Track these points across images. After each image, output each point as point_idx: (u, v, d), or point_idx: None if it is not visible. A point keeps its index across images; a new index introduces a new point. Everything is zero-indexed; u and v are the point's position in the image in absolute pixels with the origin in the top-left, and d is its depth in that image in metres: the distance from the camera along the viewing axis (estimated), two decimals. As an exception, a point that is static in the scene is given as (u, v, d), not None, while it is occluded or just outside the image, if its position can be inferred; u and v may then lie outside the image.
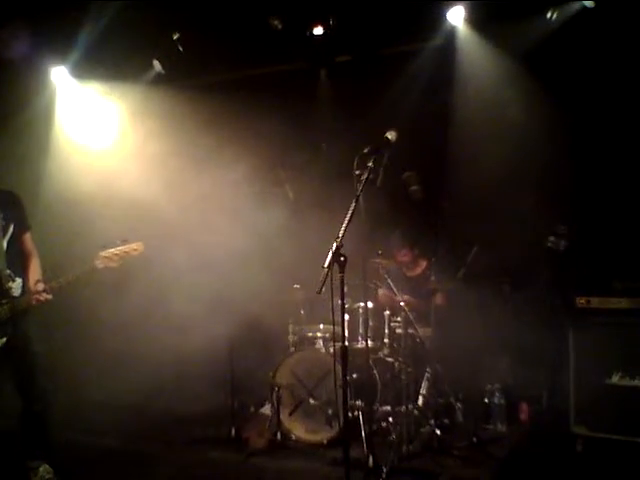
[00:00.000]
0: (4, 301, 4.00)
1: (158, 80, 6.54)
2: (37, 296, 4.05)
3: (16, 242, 4.19)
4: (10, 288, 4.05)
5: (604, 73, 5.19)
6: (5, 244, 4.10)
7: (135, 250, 4.19)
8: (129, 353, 6.21)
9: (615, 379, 4.54)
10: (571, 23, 5.40)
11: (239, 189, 5.93)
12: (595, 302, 4.70)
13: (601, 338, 4.60)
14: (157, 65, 6.43)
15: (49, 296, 4.07)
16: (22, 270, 4.18)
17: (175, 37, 6.20)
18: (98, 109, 6.74)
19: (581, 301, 4.73)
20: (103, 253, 4.10)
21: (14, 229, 4.17)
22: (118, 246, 4.14)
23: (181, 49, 6.23)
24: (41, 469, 4.26)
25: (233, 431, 5.21)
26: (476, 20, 5.75)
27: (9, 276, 4.07)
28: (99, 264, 4.10)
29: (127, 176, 6.25)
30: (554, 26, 5.48)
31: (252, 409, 5.81)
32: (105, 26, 5.83)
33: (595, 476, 4.14)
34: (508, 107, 5.53)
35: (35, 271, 4.24)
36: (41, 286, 4.10)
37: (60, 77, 6.63)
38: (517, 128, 5.41)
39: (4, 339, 4.00)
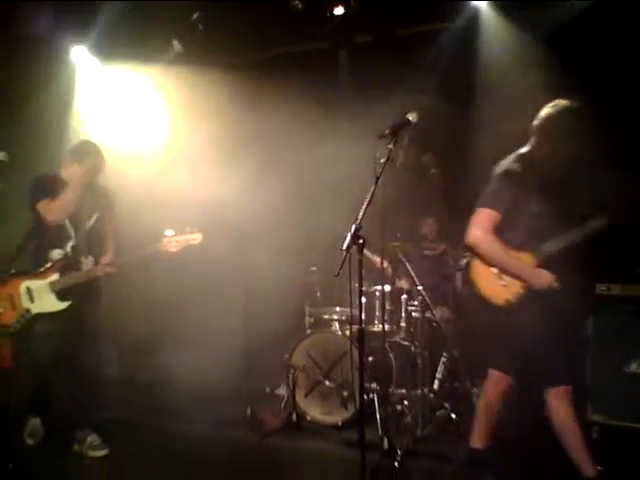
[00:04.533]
0: (74, 272, 4.49)
1: (177, 60, 6.52)
2: (102, 268, 4.54)
3: (97, 227, 4.68)
4: (81, 262, 4.56)
5: (630, 56, 5.09)
6: (88, 226, 4.63)
7: (194, 240, 4.55)
8: (149, 332, 6.28)
9: (634, 367, 4.50)
10: (597, 5, 5.30)
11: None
12: (616, 289, 4.65)
13: (621, 326, 4.56)
14: (177, 45, 6.41)
15: (112, 269, 4.57)
16: (97, 250, 4.67)
17: (195, 16, 6.17)
18: (118, 89, 6.74)
19: (602, 288, 4.69)
20: (167, 238, 4.50)
21: (99, 215, 4.68)
22: (181, 234, 4.52)
23: (201, 28, 6.20)
24: (89, 438, 4.50)
25: (249, 411, 5.25)
26: (500, 1, 5.66)
27: (84, 252, 4.58)
28: (161, 247, 4.50)
29: (152, 161, 6.29)
30: (579, 8, 5.38)
31: (268, 390, 5.84)
32: (125, 5, 5.81)
33: (610, 464, 4.11)
34: (530, 90, 5.44)
35: (108, 252, 4.72)
36: (107, 260, 4.63)
37: (80, 56, 6.64)
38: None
39: (67, 303, 4.46)
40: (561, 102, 3.62)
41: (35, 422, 4.61)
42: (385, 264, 5.42)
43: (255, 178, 5.94)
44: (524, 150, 3.68)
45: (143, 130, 6.65)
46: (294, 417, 5.09)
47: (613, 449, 4.39)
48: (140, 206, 5.82)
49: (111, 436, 4.64)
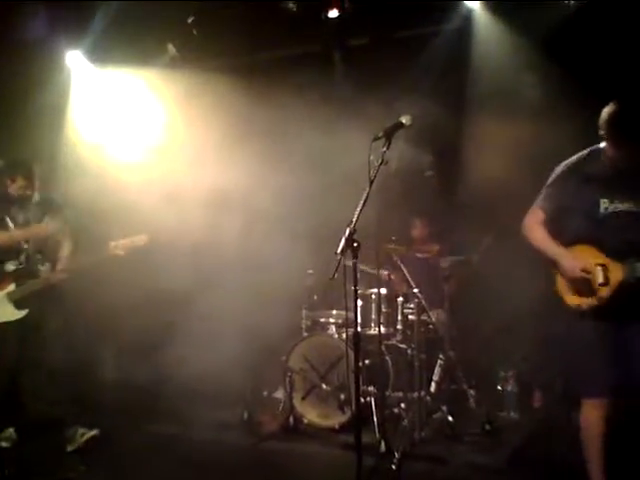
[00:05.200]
0: (30, 280, 4.67)
1: (172, 64, 6.51)
2: (55, 275, 4.76)
3: (49, 235, 4.86)
4: (39, 270, 4.75)
5: (623, 57, 5.10)
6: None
7: (140, 241, 4.79)
8: (145, 334, 6.26)
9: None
10: (590, 6, 5.31)
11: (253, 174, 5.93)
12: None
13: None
14: (171, 49, 6.41)
15: (64, 275, 4.77)
16: (53, 256, 4.85)
17: (190, 20, 6.17)
18: (113, 92, 6.73)
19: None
20: (113, 242, 4.72)
21: (49, 221, 4.84)
22: (126, 237, 4.76)
23: (195, 32, 6.20)
24: (79, 431, 4.69)
25: (246, 415, 5.24)
26: (493, 3, 5.67)
27: (39, 260, 4.76)
28: (108, 251, 4.72)
29: (143, 162, 6.29)
30: (572, 9, 5.39)
31: (265, 393, 5.83)
32: (120, 9, 5.80)
33: (609, 464, 4.10)
34: (525, 91, 5.46)
35: (64, 259, 4.89)
36: (60, 267, 4.81)
37: (75, 61, 6.62)
38: (534, 112, 5.34)
39: (25, 311, 4.65)
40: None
41: (9, 432, 4.75)
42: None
43: (247, 181, 5.94)
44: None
45: (138, 133, 6.64)
46: (291, 420, 5.09)
47: (611, 450, 4.38)
48: (135, 208, 5.81)
49: (108, 439, 4.65)
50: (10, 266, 4.68)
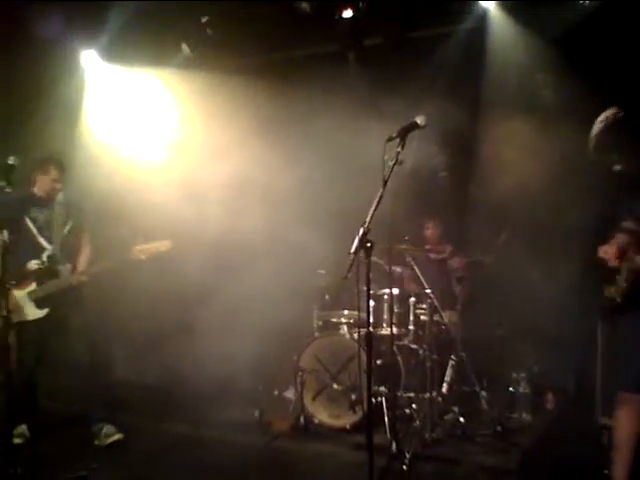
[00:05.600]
0: (51, 280, 4.72)
1: (187, 64, 6.54)
2: (76, 277, 4.79)
3: (72, 235, 4.92)
4: (59, 270, 4.78)
5: (638, 58, 5.07)
6: (63, 235, 4.86)
7: (164, 247, 4.77)
8: (158, 334, 6.29)
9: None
10: (605, 7, 5.28)
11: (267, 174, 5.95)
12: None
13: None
14: (185, 49, 6.43)
15: (85, 278, 4.80)
16: (74, 258, 4.91)
17: (204, 20, 6.19)
18: (128, 92, 6.76)
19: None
20: (137, 247, 4.71)
21: (72, 224, 4.92)
22: (149, 242, 4.75)
23: (210, 32, 6.22)
24: (104, 430, 4.74)
25: (257, 414, 5.25)
26: (508, 3, 5.65)
27: (60, 260, 4.80)
28: (131, 256, 4.71)
29: (157, 162, 6.33)
30: (588, 10, 5.36)
31: (276, 393, 5.84)
32: (134, 9, 5.83)
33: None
34: (541, 91, 5.43)
35: (84, 260, 4.96)
36: (80, 269, 4.86)
37: (90, 61, 6.66)
38: (549, 113, 5.32)
39: (46, 310, 4.70)
40: None
41: (22, 428, 4.79)
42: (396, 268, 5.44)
43: (262, 180, 5.95)
44: None
45: (152, 133, 6.67)
46: (302, 420, 5.09)
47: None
48: (149, 207, 5.85)
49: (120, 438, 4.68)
50: (32, 265, 4.72)
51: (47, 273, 4.74)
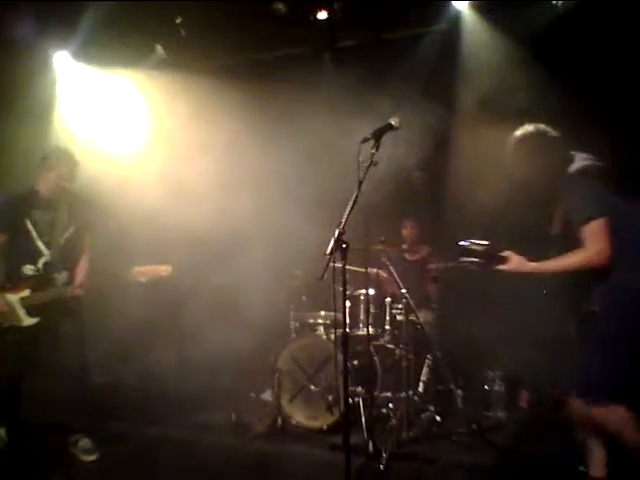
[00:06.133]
0: (46, 288, 4.51)
1: (160, 65, 6.50)
2: (72, 289, 4.58)
3: (72, 241, 4.68)
4: (55, 278, 4.58)
5: (611, 58, 5.14)
6: (63, 241, 4.62)
7: (164, 271, 4.63)
8: (133, 338, 6.24)
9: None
10: (577, 8, 5.35)
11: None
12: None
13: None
14: (159, 50, 6.40)
15: (81, 292, 4.60)
16: (71, 266, 4.70)
17: (178, 21, 6.16)
18: (101, 93, 6.70)
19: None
20: (137, 269, 4.57)
21: (74, 229, 4.69)
22: (150, 265, 4.63)
23: (184, 33, 6.20)
24: (81, 442, 4.59)
25: (234, 416, 5.24)
26: (481, 5, 5.71)
27: (57, 268, 4.58)
28: (131, 277, 4.56)
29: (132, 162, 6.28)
30: (560, 11, 5.43)
31: (253, 394, 5.82)
32: (108, 10, 5.78)
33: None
34: (513, 92, 5.49)
35: (82, 269, 4.76)
36: (78, 280, 4.68)
37: (62, 62, 6.59)
38: (523, 113, 5.37)
39: (36, 319, 4.49)
40: None
41: (0, 431, 4.64)
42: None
43: (236, 187, 5.94)
44: None
45: (126, 134, 6.62)
46: (279, 421, 5.09)
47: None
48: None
49: (97, 442, 4.63)
50: (28, 270, 4.50)
51: (42, 280, 4.51)
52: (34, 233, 4.51)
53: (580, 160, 3.55)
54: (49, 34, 6.19)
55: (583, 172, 3.51)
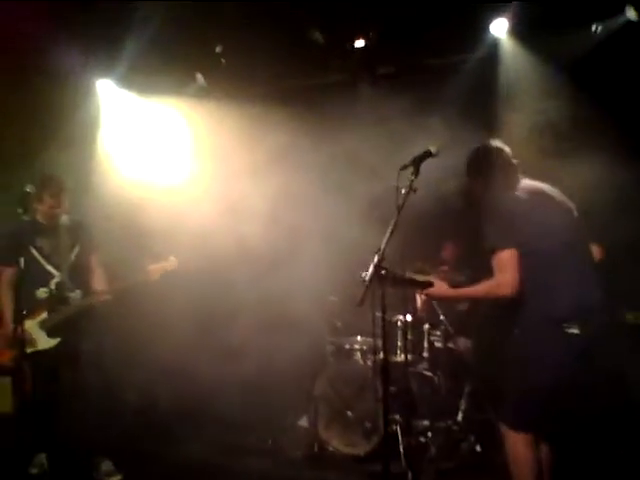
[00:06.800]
0: (62, 307, 4.65)
1: (201, 93, 6.62)
2: (98, 296, 4.76)
3: (81, 259, 4.85)
4: (69, 297, 4.71)
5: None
6: (71, 261, 4.79)
7: (170, 265, 4.87)
8: (171, 358, 6.28)
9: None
10: (616, 35, 5.32)
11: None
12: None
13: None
14: (200, 78, 6.52)
15: (108, 296, 4.78)
16: (84, 284, 4.82)
17: (218, 50, 6.28)
18: (143, 121, 6.84)
19: (629, 317, 4.63)
20: (151, 267, 4.78)
21: (80, 248, 4.85)
22: (158, 262, 4.84)
23: (224, 62, 6.31)
24: (103, 466, 4.67)
25: (270, 441, 5.22)
26: (519, 32, 5.70)
27: (69, 287, 4.72)
28: (145, 276, 4.78)
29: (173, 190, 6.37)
30: (599, 38, 5.41)
31: (290, 419, 5.80)
32: (150, 39, 5.93)
33: None
34: (553, 119, 5.45)
35: (99, 280, 4.90)
36: (101, 289, 4.82)
37: (106, 89, 6.76)
38: (562, 140, 5.33)
39: (57, 340, 4.63)
40: None
41: (40, 458, 4.70)
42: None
43: (276, 206, 5.98)
44: None
45: (169, 161, 6.73)
46: (315, 447, 5.06)
47: None
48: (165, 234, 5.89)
49: (127, 465, 4.69)
50: (42, 294, 4.66)
51: (57, 301, 4.67)
52: (41, 258, 4.70)
53: (521, 185, 3.57)
54: (93, 62, 6.36)
55: (510, 198, 3.50)
